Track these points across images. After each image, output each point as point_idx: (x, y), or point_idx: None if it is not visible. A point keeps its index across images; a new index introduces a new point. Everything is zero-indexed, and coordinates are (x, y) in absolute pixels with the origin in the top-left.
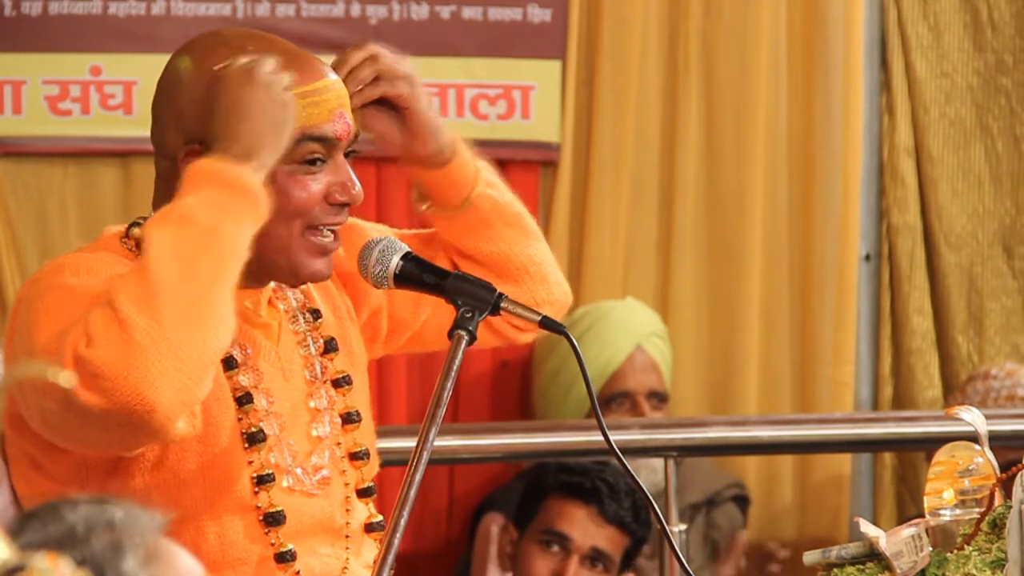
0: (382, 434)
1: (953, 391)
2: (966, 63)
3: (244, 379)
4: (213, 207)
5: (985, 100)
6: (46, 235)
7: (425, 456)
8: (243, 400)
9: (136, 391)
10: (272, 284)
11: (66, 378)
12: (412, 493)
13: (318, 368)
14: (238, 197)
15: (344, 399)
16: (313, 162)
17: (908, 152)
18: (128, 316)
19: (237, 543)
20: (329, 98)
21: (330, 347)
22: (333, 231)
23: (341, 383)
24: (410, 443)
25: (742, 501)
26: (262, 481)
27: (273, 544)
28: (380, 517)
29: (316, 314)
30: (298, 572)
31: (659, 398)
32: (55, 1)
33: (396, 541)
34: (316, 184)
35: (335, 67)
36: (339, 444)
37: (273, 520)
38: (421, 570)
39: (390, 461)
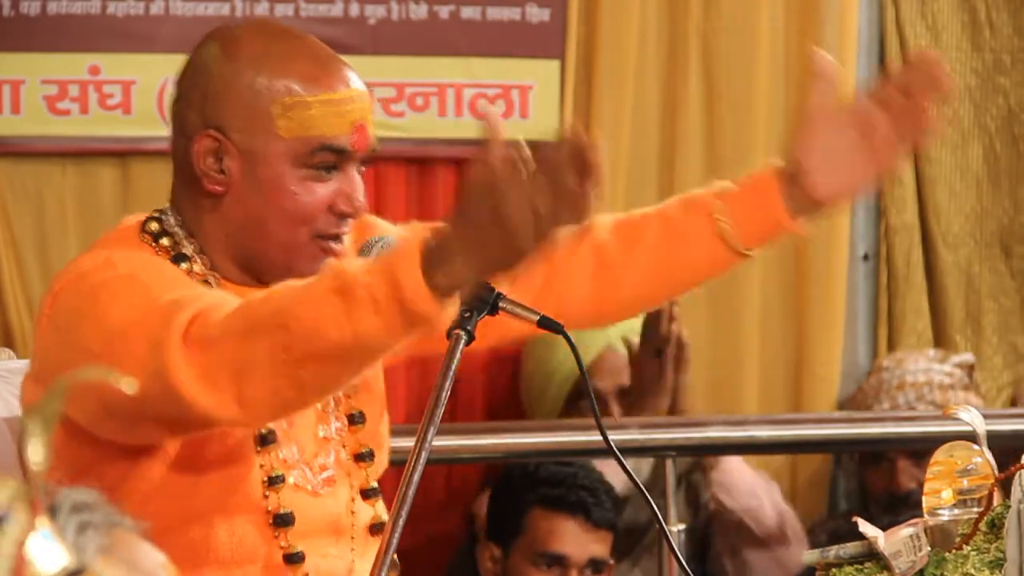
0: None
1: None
2: (964, 63)
3: None
4: (375, 311)
5: (983, 100)
6: (44, 235)
7: (423, 456)
8: None
9: (210, 404)
10: None
11: (128, 383)
12: (411, 493)
13: None
14: (414, 326)
15: (349, 400)
16: (326, 169)
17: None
18: (253, 345)
19: (246, 542)
20: (352, 109)
21: None
22: (342, 236)
23: None
24: (409, 442)
25: None
26: (272, 483)
27: (283, 546)
28: (384, 518)
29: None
30: (307, 574)
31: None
32: (53, 1)
33: (395, 541)
34: (323, 191)
35: None
36: (344, 446)
37: (282, 521)
38: (417, 564)
39: (389, 461)
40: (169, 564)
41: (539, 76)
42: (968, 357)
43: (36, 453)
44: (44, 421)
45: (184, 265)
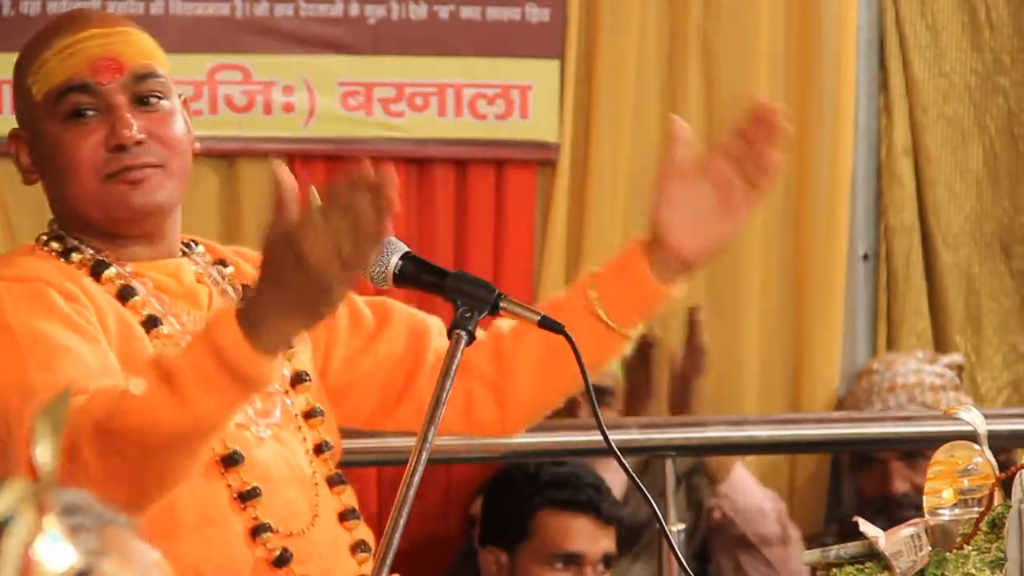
0: (381, 433)
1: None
2: (964, 63)
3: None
4: (207, 388)
5: (983, 100)
6: None
7: (424, 456)
8: None
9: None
10: (195, 268)
11: (136, 384)
12: (411, 493)
13: None
14: (248, 391)
15: (290, 362)
16: (82, 114)
17: (906, 152)
18: (80, 457)
19: (204, 496)
20: (89, 46)
21: None
22: (142, 167)
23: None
24: (409, 442)
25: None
26: None
27: (231, 486)
28: (339, 472)
29: (247, 288)
30: (264, 521)
31: (600, 391)
32: (53, 1)
33: (395, 541)
34: (92, 134)
35: None
36: (291, 403)
37: (231, 461)
38: (417, 565)
39: (390, 461)
40: (163, 562)
41: (539, 76)
42: (957, 358)
43: (44, 454)
44: (53, 423)
45: (75, 256)
